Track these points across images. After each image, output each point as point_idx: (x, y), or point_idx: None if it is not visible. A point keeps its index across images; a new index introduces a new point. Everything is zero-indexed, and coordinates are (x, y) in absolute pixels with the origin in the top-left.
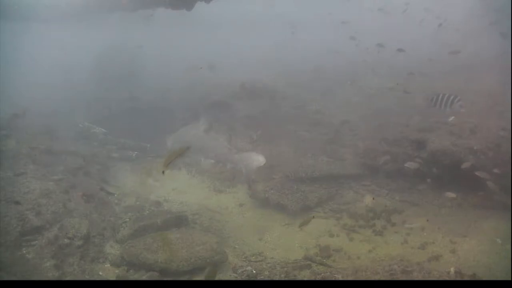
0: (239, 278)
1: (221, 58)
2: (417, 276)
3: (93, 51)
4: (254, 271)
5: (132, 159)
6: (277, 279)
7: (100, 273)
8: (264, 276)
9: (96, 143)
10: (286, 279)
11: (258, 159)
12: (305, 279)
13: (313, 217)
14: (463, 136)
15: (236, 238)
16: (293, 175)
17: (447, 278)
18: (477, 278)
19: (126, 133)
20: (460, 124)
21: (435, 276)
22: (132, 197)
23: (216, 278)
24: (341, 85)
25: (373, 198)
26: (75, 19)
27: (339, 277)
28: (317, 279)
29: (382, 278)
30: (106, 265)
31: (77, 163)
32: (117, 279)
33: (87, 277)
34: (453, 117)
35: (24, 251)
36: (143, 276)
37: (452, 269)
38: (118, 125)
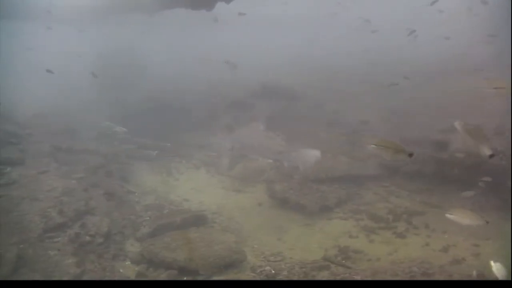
0: (257, 278)
1: (242, 58)
2: (438, 279)
3: (112, 52)
4: (273, 271)
5: (152, 158)
6: (296, 279)
7: (121, 270)
8: (283, 276)
9: (116, 142)
10: (305, 279)
11: (315, 154)
12: (324, 279)
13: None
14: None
15: (255, 237)
16: (313, 175)
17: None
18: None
19: (146, 133)
20: (483, 124)
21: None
22: (152, 196)
23: (234, 278)
24: (359, 84)
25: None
26: (94, 19)
27: (358, 279)
28: (336, 279)
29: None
30: (126, 263)
31: (98, 162)
32: (137, 277)
33: (107, 274)
34: None
35: (47, 248)
36: (162, 274)
37: (474, 273)
38: (138, 125)
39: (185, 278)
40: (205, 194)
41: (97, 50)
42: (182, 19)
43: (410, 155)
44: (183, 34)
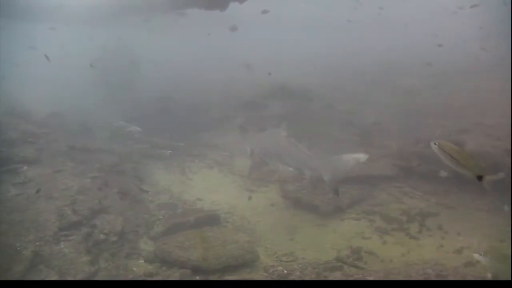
0: (270, 278)
1: (256, 58)
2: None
3: (125, 52)
4: (286, 271)
5: (165, 158)
6: (308, 279)
7: (134, 269)
8: (296, 276)
9: (130, 142)
10: (318, 279)
11: (357, 157)
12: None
13: None
14: (501, 138)
15: (268, 237)
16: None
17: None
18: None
19: (160, 132)
20: (499, 125)
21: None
22: (166, 195)
23: (247, 278)
24: (372, 85)
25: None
26: (109, 19)
27: (371, 279)
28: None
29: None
30: (139, 261)
31: (112, 161)
32: (150, 276)
33: (121, 273)
34: None
35: (62, 246)
36: (175, 273)
37: (489, 275)
38: (151, 124)
39: (198, 278)
40: (218, 193)
41: (110, 50)
42: (195, 19)
43: (479, 177)
44: (195, 34)
